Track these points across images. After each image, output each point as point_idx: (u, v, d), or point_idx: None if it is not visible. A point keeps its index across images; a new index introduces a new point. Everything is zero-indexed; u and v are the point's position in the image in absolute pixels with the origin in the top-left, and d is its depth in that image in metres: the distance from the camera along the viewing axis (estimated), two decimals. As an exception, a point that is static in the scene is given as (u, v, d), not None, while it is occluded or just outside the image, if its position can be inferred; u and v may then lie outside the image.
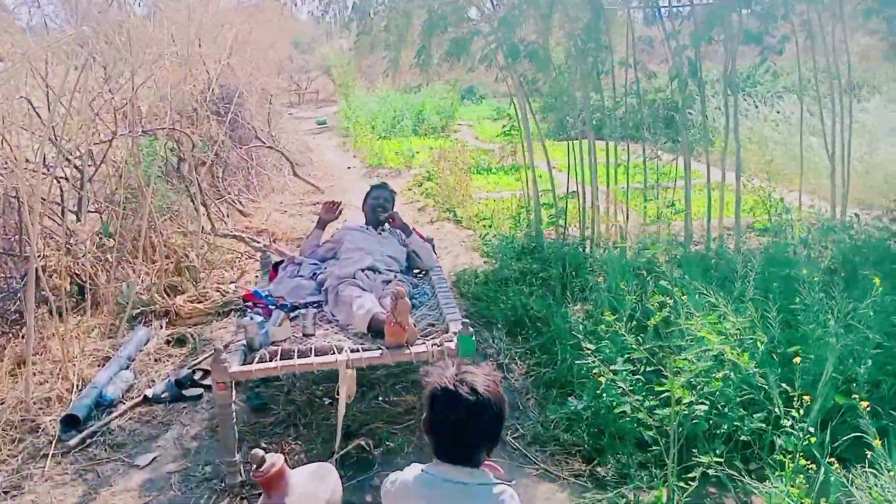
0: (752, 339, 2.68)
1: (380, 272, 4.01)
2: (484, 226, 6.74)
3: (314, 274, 4.23)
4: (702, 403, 2.63)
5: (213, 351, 3.09)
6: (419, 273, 4.46)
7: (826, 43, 5.59)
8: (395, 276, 4.05)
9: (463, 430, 1.65)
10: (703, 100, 5.98)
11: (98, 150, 5.63)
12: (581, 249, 5.79)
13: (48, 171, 4.87)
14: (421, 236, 4.64)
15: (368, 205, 4.66)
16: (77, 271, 4.97)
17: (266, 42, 9.89)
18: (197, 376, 4.05)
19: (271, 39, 10.18)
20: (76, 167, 5.37)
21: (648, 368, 3.07)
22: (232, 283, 5.68)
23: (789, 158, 9.05)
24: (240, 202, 7.73)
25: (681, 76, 5.75)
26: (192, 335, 4.68)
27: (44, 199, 4.72)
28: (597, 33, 5.66)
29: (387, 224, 4.56)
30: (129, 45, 5.25)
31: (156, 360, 4.40)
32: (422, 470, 1.73)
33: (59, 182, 5.14)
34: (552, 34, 5.83)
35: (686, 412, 2.59)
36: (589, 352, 2.80)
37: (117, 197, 5.41)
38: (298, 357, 3.23)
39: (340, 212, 4.78)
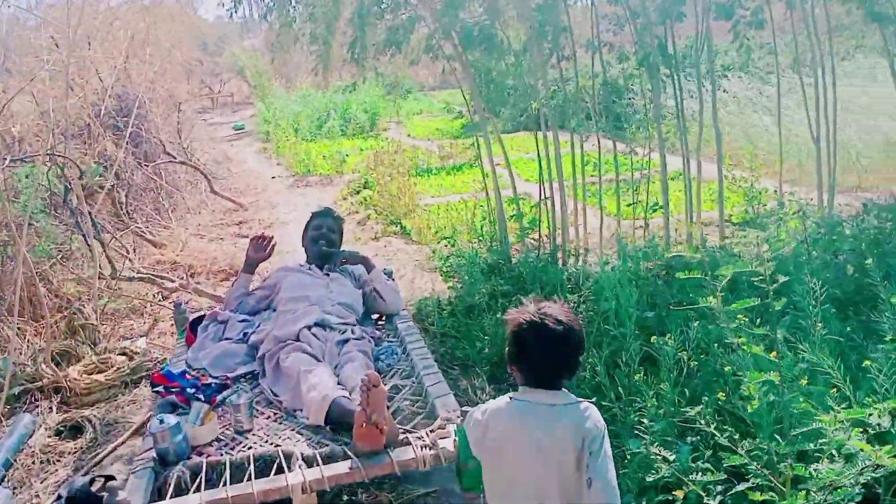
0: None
1: (332, 328, 3.11)
2: (441, 241, 5.85)
3: (244, 334, 3.29)
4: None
5: (107, 480, 2.18)
6: (379, 321, 3.57)
7: (807, 11, 5.03)
8: (353, 332, 3.15)
9: (551, 359, 1.74)
10: (678, 84, 5.31)
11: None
12: (554, 263, 5.02)
13: None
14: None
15: (309, 237, 3.71)
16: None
17: (168, 42, 8.72)
18: (95, 487, 3.03)
19: (174, 39, 9.01)
20: (-75, 210, 4.23)
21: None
22: (142, 336, 4.64)
23: (746, 140, 8.63)
24: (149, 231, 6.61)
25: (649, 58, 5.07)
26: (90, 420, 3.63)
27: None
28: (555, 13, 4.92)
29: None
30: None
31: (43, 462, 3.35)
32: (510, 398, 1.79)
33: None
34: (504, 15, 5.02)
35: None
36: (659, 457, 1.99)
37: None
38: (232, 471, 2.34)
39: (273, 247, 3.83)
